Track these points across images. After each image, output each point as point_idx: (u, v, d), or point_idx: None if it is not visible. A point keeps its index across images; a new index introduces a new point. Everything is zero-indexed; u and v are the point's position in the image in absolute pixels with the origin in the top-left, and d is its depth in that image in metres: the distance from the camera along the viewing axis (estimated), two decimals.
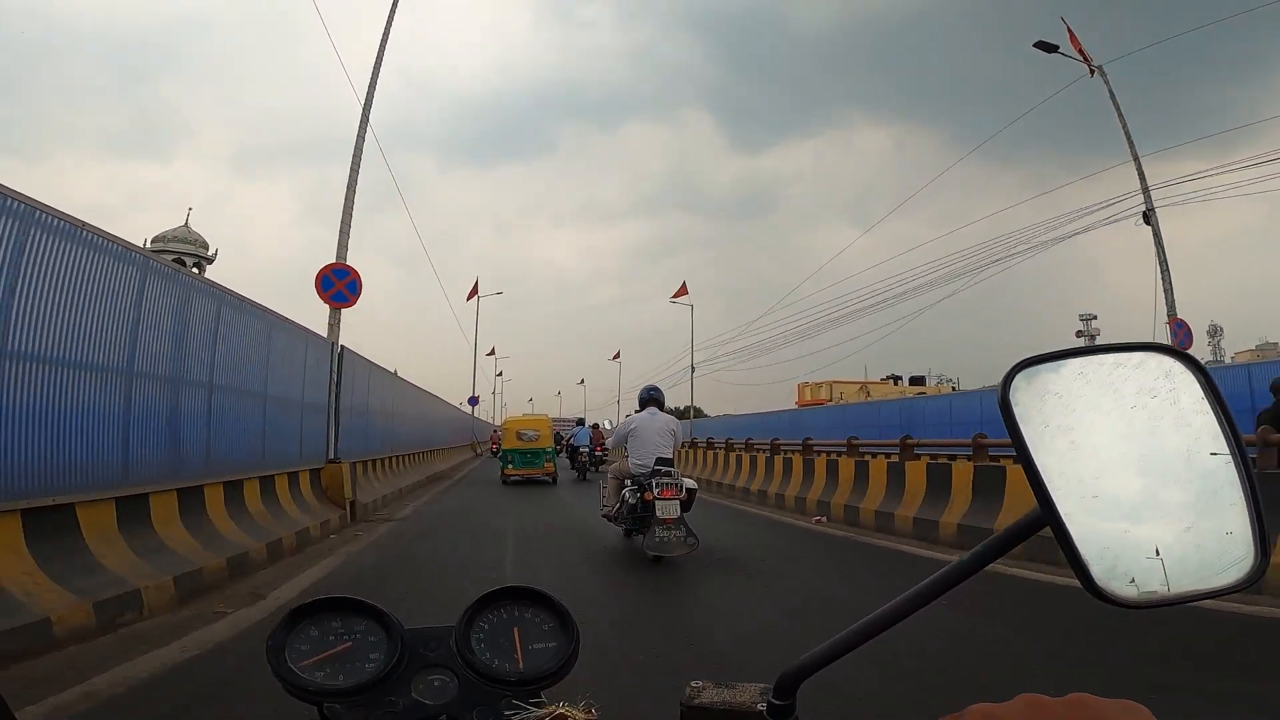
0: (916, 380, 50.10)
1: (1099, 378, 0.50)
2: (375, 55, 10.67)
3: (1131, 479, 0.48)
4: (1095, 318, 37.04)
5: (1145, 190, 13.96)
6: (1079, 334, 38.38)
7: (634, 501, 6.26)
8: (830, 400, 41.72)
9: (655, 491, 5.92)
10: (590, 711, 0.70)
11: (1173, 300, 13.50)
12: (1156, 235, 13.74)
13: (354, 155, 10.49)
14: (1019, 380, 0.50)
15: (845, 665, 0.61)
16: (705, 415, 45.27)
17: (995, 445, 8.20)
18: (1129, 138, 13.99)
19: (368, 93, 10.53)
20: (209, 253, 30.16)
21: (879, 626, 0.58)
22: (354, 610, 0.79)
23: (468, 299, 33.00)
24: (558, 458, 17.69)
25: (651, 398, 6.83)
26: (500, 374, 65.98)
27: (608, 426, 12.20)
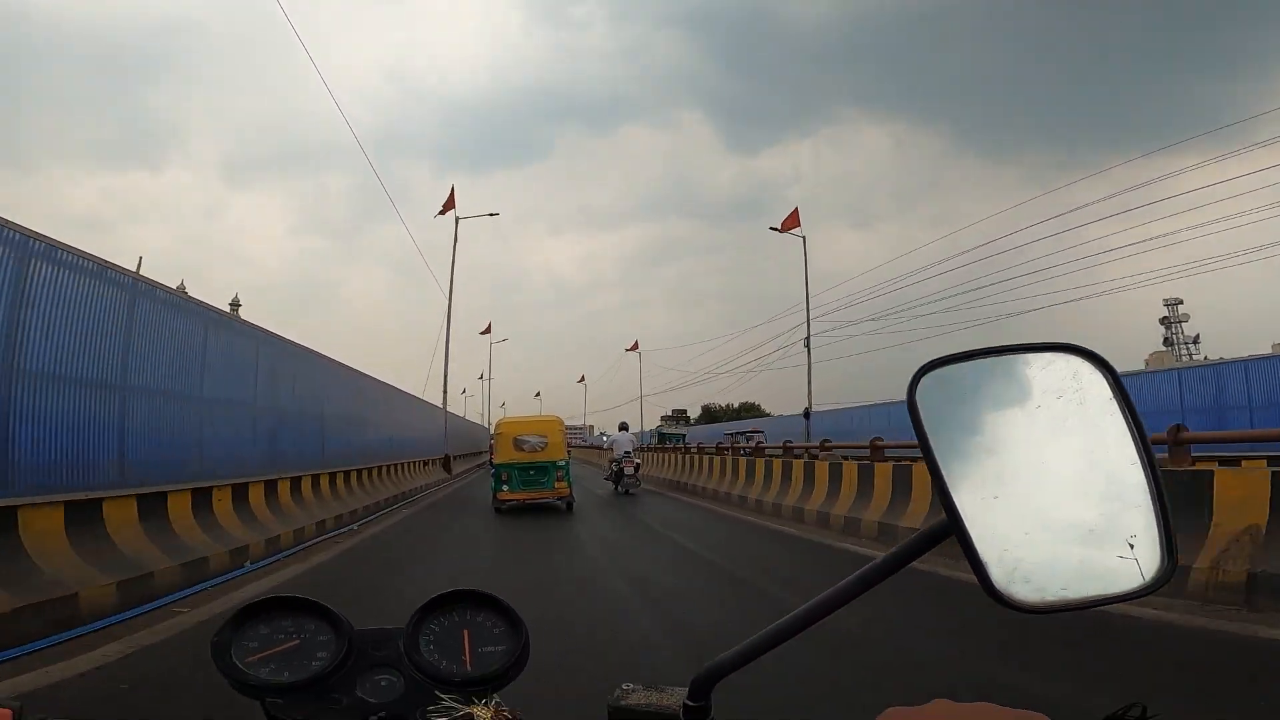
0: None
1: (1006, 378, 0.49)
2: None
3: (1034, 481, 0.47)
4: (1181, 302, 35.72)
5: None
6: (1163, 320, 37.62)
7: (617, 470, 15.32)
8: None
9: (623, 464, 15.07)
10: (499, 711, 0.70)
11: None
12: None
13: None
14: (927, 381, 0.49)
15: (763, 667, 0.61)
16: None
17: (892, 446, 8.41)
18: None
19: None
20: None
21: (795, 628, 0.58)
22: (306, 610, 0.79)
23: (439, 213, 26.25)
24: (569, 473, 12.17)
25: (623, 425, 17.12)
26: (486, 331, 45.84)
27: (606, 439, 23.76)
